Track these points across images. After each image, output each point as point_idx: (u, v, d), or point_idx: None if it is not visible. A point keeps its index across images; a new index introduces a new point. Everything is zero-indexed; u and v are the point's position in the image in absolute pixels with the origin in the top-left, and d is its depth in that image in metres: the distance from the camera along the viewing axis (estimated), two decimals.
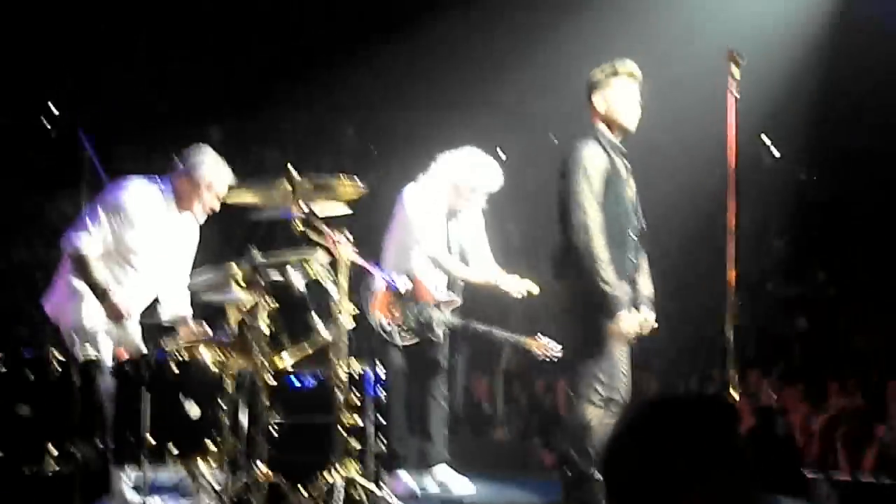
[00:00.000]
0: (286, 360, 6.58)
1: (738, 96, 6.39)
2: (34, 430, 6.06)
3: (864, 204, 14.53)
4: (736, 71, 6.40)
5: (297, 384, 6.70)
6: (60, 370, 6.15)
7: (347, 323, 6.38)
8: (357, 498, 6.25)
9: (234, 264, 6.53)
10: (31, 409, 6.10)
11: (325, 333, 6.52)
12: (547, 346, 7.88)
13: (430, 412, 7.96)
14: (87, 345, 6.47)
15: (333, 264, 6.46)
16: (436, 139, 8.01)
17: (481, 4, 14.03)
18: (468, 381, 12.80)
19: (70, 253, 6.94)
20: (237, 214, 7.44)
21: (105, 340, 6.91)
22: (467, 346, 12.51)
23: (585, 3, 12.52)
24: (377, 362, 7.02)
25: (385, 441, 6.73)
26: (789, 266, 14.92)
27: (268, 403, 6.33)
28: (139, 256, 7.03)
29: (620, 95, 6.65)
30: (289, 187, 6.45)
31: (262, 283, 6.38)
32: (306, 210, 6.46)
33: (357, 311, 6.54)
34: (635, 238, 6.65)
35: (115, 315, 6.85)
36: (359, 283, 7.46)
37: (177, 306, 7.25)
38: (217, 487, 6.53)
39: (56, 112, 16.77)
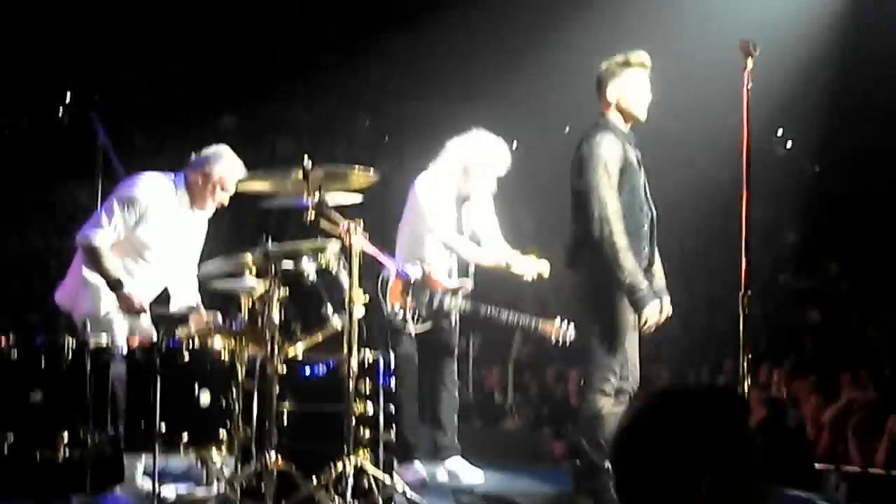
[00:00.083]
0: (297, 349, 6.60)
1: (751, 88, 6.38)
2: (47, 417, 6.08)
3: (876, 197, 14.51)
4: (749, 63, 6.39)
5: (309, 372, 6.71)
6: (73, 357, 6.18)
7: (359, 312, 6.38)
8: (367, 487, 6.26)
9: (246, 253, 6.55)
10: (43, 396, 6.12)
11: (336, 322, 6.53)
12: (562, 330, 7.84)
13: (441, 401, 7.97)
14: (100, 332, 6.49)
15: (345, 253, 6.47)
16: (449, 129, 8.01)
17: None
18: (479, 370, 12.81)
19: (84, 246, 6.96)
20: (250, 203, 7.46)
21: (118, 329, 6.93)
22: (478, 335, 12.54)
23: None
24: (389, 351, 7.04)
25: (396, 430, 6.74)
26: (801, 258, 14.91)
27: (279, 392, 6.35)
28: (151, 250, 7.06)
29: (633, 85, 6.66)
30: (302, 176, 6.45)
31: (275, 272, 6.39)
32: (319, 199, 6.47)
33: (369, 300, 6.55)
34: (648, 228, 6.66)
35: (129, 307, 6.87)
36: (372, 272, 7.47)
37: (186, 297, 7.27)
38: (228, 475, 6.56)
39: (71, 101, 16.82)
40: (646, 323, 6.48)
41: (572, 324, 7.66)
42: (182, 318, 6.94)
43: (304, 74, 15.98)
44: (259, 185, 6.84)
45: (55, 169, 15.49)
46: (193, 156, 7.20)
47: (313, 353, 6.75)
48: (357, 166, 6.74)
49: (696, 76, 11.97)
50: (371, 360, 6.59)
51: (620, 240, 6.36)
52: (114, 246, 6.95)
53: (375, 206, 7.66)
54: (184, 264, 7.25)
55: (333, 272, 6.60)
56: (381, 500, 6.26)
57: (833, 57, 13.20)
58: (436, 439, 8.00)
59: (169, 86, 16.35)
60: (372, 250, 6.60)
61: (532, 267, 7.89)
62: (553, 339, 7.91)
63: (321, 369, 6.70)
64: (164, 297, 7.33)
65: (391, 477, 6.45)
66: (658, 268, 6.79)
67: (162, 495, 6.30)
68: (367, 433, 6.46)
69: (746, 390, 6.39)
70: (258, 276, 6.54)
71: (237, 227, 12.33)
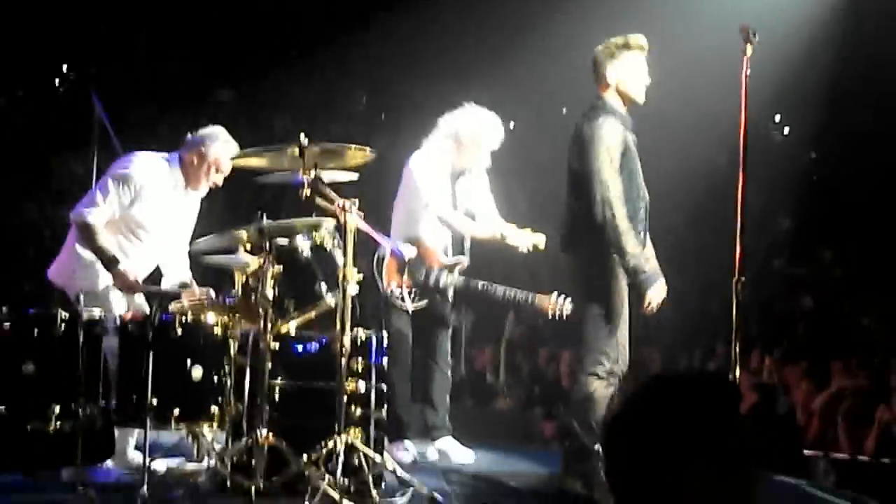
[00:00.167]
0: (290, 326, 6.60)
1: (750, 73, 6.38)
2: (38, 389, 6.08)
3: (872, 185, 14.51)
4: (749, 48, 6.39)
5: (301, 349, 6.72)
6: (65, 329, 6.17)
7: (352, 289, 6.38)
8: (357, 464, 6.28)
9: (241, 228, 6.55)
10: (35, 367, 6.12)
11: (329, 299, 6.53)
12: (559, 304, 7.83)
13: (433, 381, 7.99)
14: (95, 307, 6.48)
15: (340, 231, 6.47)
16: (446, 108, 8.02)
17: None
18: (471, 349, 12.82)
19: (78, 223, 6.95)
20: (245, 179, 7.45)
21: (115, 304, 6.93)
22: (471, 314, 12.54)
23: None
24: (382, 329, 7.05)
25: (388, 408, 6.75)
26: (796, 245, 14.92)
27: (271, 368, 6.35)
28: (145, 229, 7.06)
29: (632, 68, 6.67)
30: (298, 153, 6.44)
31: (269, 248, 6.39)
32: (314, 176, 6.46)
33: (363, 278, 6.55)
34: (644, 213, 6.67)
35: (125, 285, 6.87)
36: (367, 250, 7.47)
37: (178, 275, 7.27)
38: (218, 450, 6.57)
39: (68, 72, 16.78)
40: (649, 304, 6.51)
41: (568, 298, 7.65)
42: (174, 296, 6.93)
43: (302, 51, 15.94)
44: (255, 162, 6.84)
45: (51, 140, 15.46)
46: (189, 136, 7.20)
47: (306, 330, 6.76)
48: (353, 144, 6.74)
49: (693, 60, 11.96)
50: (364, 338, 6.60)
51: (623, 223, 6.38)
52: (108, 224, 6.95)
53: (371, 183, 7.66)
54: (176, 243, 7.26)
55: (328, 249, 6.60)
56: (371, 478, 6.28)
57: (832, 44, 13.19)
58: (427, 418, 8.02)
59: (167, 60, 16.32)
60: (367, 228, 6.59)
61: (527, 238, 7.89)
62: (549, 313, 7.90)
63: (314, 346, 6.71)
64: (156, 275, 7.34)
65: (382, 455, 6.47)
66: (650, 251, 6.80)
67: (152, 469, 6.30)
68: (359, 411, 6.47)
69: (737, 375, 6.41)
70: (252, 252, 6.54)
71: (232, 203, 12.32)
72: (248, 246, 6.58)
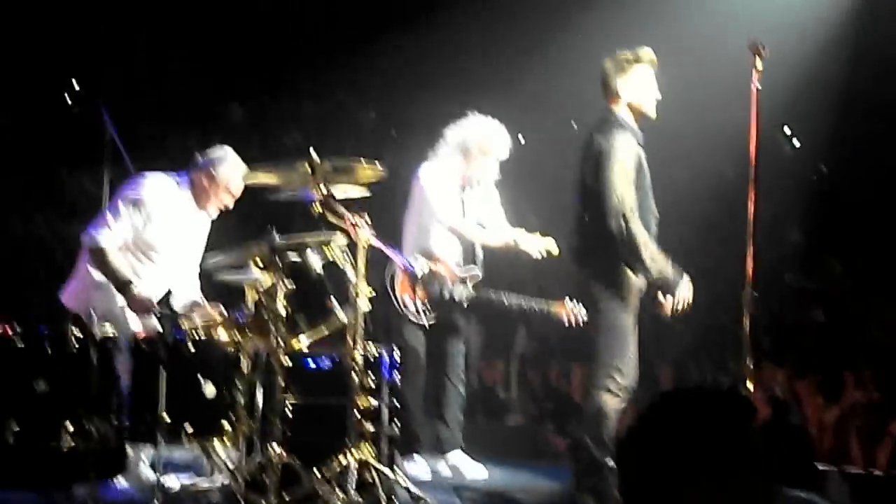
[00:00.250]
0: (302, 342, 6.61)
1: (760, 87, 6.38)
2: (51, 406, 6.09)
3: (883, 197, 14.48)
4: (759, 62, 6.39)
5: (313, 365, 6.72)
6: (78, 346, 6.19)
7: (364, 305, 6.39)
8: (370, 480, 6.27)
9: (252, 245, 6.56)
10: (48, 385, 6.13)
11: (341, 316, 6.53)
12: (574, 311, 7.82)
13: (447, 396, 7.99)
14: (107, 324, 6.49)
15: (351, 247, 6.47)
16: (455, 123, 8.03)
17: None
18: (483, 364, 12.80)
19: (90, 247, 6.94)
20: (256, 195, 7.46)
21: (128, 322, 6.92)
22: (482, 329, 12.53)
23: None
24: (394, 346, 7.05)
25: (400, 424, 6.74)
26: (807, 257, 14.88)
27: (283, 384, 6.35)
28: (157, 251, 7.06)
29: (642, 82, 6.67)
30: (309, 169, 6.45)
31: (280, 265, 6.40)
32: (326, 192, 6.47)
33: (375, 294, 6.55)
34: (655, 230, 6.67)
35: (139, 307, 6.83)
36: (379, 266, 7.47)
37: (189, 294, 7.27)
38: (231, 466, 6.57)
39: (79, 89, 16.80)
40: (679, 303, 6.52)
41: (580, 306, 7.65)
42: (185, 316, 6.93)
43: (312, 67, 15.95)
44: (266, 178, 6.85)
45: (61, 156, 15.48)
46: (198, 157, 7.21)
47: (318, 347, 6.76)
48: (364, 160, 6.75)
49: (702, 73, 11.94)
50: (376, 354, 6.60)
51: (641, 234, 6.38)
52: (120, 247, 6.95)
53: (382, 199, 7.67)
54: (187, 263, 7.26)
55: (339, 265, 6.61)
56: (383, 494, 6.27)
57: (842, 56, 13.17)
58: (439, 434, 8.01)
59: (176, 76, 16.33)
60: (378, 244, 6.60)
61: (539, 244, 7.89)
62: (566, 320, 7.89)
63: (326, 362, 6.71)
64: (166, 296, 7.34)
65: (394, 471, 6.46)
66: None
67: (164, 486, 6.31)
68: (371, 427, 6.47)
69: (750, 389, 6.39)
70: (264, 268, 6.55)
71: (243, 220, 12.32)
72: (260, 262, 6.59)
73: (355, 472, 6.18)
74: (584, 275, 6.61)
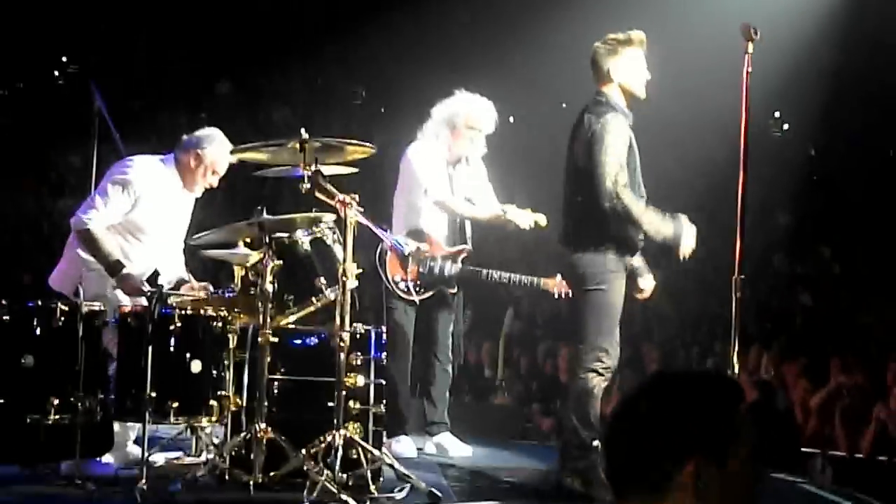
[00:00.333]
0: (290, 319, 6.60)
1: (751, 70, 6.38)
2: (37, 381, 6.08)
3: (871, 181, 14.52)
4: (750, 46, 6.39)
5: (300, 343, 6.71)
6: (64, 321, 6.18)
7: (352, 284, 6.38)
8: (356, 459, 6.27)
9: (241, 222, 6.54)
10: (34, 359, 6.12)
11: (329, 294, 6.53)
12: (564, 284, 7.82)
13: (434, 376, 7.99)
14: (96, 303, 6.46)
15: (340, 225, 6.46)
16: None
17: None
18: (470, 345, 12.82)
19: (79, 230, 6.88)
20: (245, 173, 7.44)
21: (115, 303, 6.88)
22: (470, 309, 12.54)
23: None
24: (382, 324, 7.04)
25: (387, 403, 6.74)
26: (794, 241, 14.92)
27: (270, 362, 6.35)
28: (145, 232, 7.02)
29: (634, 64, 6.66)
30: (298, 147, 6.44)
31: (269, 242, 6.38)
32: (315, 170, 6.45)
33: (363, 272, 6.55)
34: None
35: (130, 289, 6.78)
36: (368, 244, 7.46)
37: (175, 272, 7.23)
38: (217, 444, 6.57)
39: (68, 64, 16.76)
40: (687, 250, 6.58)
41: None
42: (173, 293, 6.90)
43: (302, 44, 15.93)
44: (255, 156, 6.82)
45: (50, 132, 15.45)
46: (185, 137, 7.18)
47: (305, 324, 6.76)
48: (353, 138, 6.73)
49: (692, 57, 11.96)
50: (363, 333, 6.59)
51: (635, 204, 6.41)
52: (108, 229, 6.91)
53: (371, 177, 7.66)
54: (172, 242, 7.24)
55: (328, 244, 6.60)
56: (369, 473, 6.27)
57: (832, 41, 13.19)
58: (426, 413, 8.02)
59: (166, 52, 16.30)
60: (367, 223, 6.59)
61: (528, 216, 7.89)
62: (556, 293, 7.91)
63: (313, 341, 6.70)
64: (153, 274, 7.31)
65: (380, 450, 6.47)
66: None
67: (151, 462, 6.31)
68: (358, 405, 6.47)
69: (736, 372, 6.41)
70: (252, 246, 6.54)
71: (232, 197, 12.32)
72: (248, 240, 6.58)
73: (341, 451, 6.17)
74: (573, 254, 6.62)
